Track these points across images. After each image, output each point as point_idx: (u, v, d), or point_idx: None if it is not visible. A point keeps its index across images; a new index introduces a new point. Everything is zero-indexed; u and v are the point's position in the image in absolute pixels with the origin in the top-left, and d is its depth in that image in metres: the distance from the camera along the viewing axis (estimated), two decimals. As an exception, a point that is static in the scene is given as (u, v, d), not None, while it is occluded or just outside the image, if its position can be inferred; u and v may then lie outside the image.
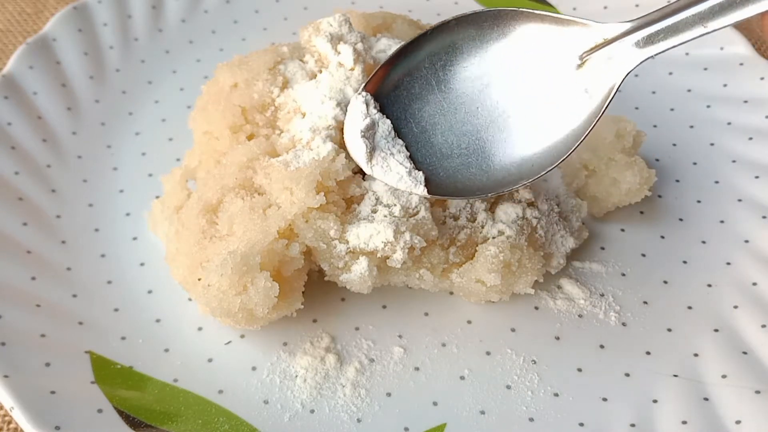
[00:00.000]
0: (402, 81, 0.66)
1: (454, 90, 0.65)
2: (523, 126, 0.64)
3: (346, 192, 0.65)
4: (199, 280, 0.63)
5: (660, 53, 0.59)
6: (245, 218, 0.64)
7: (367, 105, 0.65)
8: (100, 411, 0.61)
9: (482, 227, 0.67)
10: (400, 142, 0.65)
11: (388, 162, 0.64)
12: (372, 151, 0.64)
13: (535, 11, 0.63)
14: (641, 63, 0.60)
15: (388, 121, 0.65)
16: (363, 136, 0.64)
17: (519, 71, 0.64)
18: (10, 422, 0.65)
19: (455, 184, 0.64)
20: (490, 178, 0.64)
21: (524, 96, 0.64)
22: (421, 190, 0.63)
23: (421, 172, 0.64)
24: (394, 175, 0.64)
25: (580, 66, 0.62)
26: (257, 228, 0.63)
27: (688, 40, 0.58)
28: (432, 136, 0.65)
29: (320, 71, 0.71)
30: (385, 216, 0.64)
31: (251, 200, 0.65)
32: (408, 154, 0.64)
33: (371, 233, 0.63)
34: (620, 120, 0.73)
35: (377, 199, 0.65)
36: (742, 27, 0.90)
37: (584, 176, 0.73)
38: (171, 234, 0.68)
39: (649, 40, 0.60)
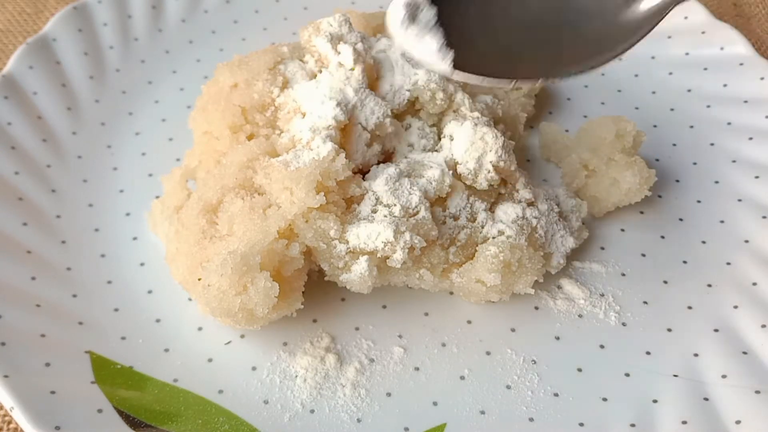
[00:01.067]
0: None
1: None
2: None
3: (346, 192, 0.65)
4: (199, 280, 0.63)
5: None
6: (245, 218, 0.64)
7: None
8: (100, 411, 0.61)
9: (482, 227, 0.67)
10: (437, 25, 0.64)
11: (421, 35, 0.63)
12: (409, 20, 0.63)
13: None
14: None
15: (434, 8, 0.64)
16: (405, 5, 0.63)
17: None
18: (10, 422, 0.65)
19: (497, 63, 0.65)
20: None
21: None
22: (446, 67, 0.63)
23: (452, 51, 0.63)
24: (423, 47, 0.63)
25: None
26: (257, 228, 0.63)
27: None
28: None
29: (320, 71, 0.71)
30: (385, 216, 0.64)
31: (251, 200, 0.65)
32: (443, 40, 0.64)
33: (371, 233, 0.63)
34: (620, 120, 0.73)
35: (377, 199, 0.65)
36: (742, 27, 0.90)
37: (584, 176, 0.73)
38: (171, 234, 0.68)
39: None
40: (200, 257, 0.64)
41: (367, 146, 0.68)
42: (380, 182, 0.65)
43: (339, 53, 0.70)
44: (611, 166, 0.72)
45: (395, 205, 0.64)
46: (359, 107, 0.67)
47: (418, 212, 0.65)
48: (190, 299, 0.68)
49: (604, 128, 0.73)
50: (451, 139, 0.68)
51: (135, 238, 0.73)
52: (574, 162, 0.73)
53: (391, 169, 0.66)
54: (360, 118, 0.67)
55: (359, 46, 0.70)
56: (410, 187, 0.65)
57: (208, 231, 0.65)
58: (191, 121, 0.73)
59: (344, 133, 0.67)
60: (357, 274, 0.64)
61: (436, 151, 0.69)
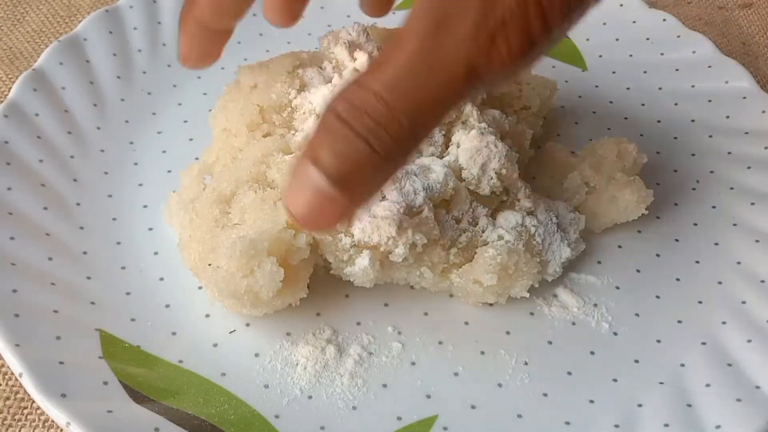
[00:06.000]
0: None
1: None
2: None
3: None
4: (209, 265, 0.66)
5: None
6: (256, 208, 0.67)
7: None
8: (105, 383, 0.64)
9: (483, 231, 0.70)
10: None
11: None
12: None
13: None
14: None
15: None
16: None
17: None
18: (17, 392, 0.67)
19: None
20: None
21: None
22: None
23: None
24: None
25: None
26: (267, 217, 0.66)
27: None
28: None
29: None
30: (390, 213, 0.66)
31: (263, 193, 0.68)
32: None
33: (375, 228, 0.66)
34: (622, 141, 0.76)
35: (383, 197, 0.67)
36: (749, 65, 0.92)
37: (585, 192, 0.75)
38: (185, 222, 0.70)
39: None
40: (212, 244, 0.67)
41: None
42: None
43: (355, 59, 0.72)
44: (611, 184, 0.74)
45: (400, 203, 0.67)
46: None
47: (421, 211, 0.67)
48: (200, 287, 0.70)
49: (606, 148, 0.76)
50: (458, 146, 0.71)
51: (151, 229, 0.75)
52: (575, 178, 0.76)
53: None
54: None
55: (375, 54, 0.72)
56: (415, 187, 0.67)
57: (220, 220, 0.68)
58: (211, 119, 0.76)
59: None
60: (360, 267, 0.67)
61: (443, 157, 0.71)
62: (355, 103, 0.49)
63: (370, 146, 0.48)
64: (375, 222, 0.66)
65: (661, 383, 0.67)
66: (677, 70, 0.90)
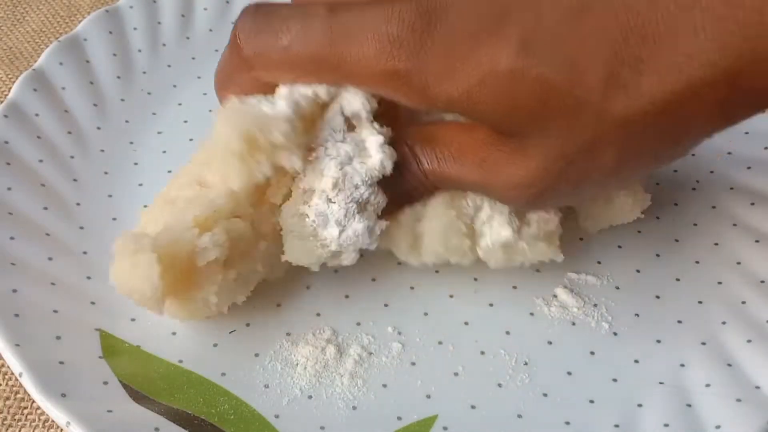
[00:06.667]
0: None
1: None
2: None
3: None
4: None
5: None
6: (178, 204, 0.65)
7: None
8: (105, 383, 0.64)
9: None
10: None
11: None
12: None
13: None
14: None
15: None
16: None
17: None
18: (17, 392, 0.68)
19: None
20: None
21: None
22: None
23: None
24: None
25: None
26: (176, 211, 0.64)
27: None
28: None
29: None
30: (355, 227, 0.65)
31: (200, 188, 0.66)
32: None
33: (351, 242, 0.65)
34: None
35: (329, 199, 0.65)
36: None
37: None
38: (141, 226, 0.68)
39: None
40: (145, 218, 0.66)
41: None
42: (324, 181, 0.64)
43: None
44: None
45: (351, 205, 0.64)
46: None
47: (368, 201, 0.65)
48: (200, 288, 0.70)
49: None
50: None
51: (150, 229, 0.75)
52: None
53: (331, 166, 0.64)
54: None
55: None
56: (356, 183, 0.64)
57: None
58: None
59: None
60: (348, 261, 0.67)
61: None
62: None
63: None
64: (347, 236, 0.65)
65: (661, 383, 0.67)
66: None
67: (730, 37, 0.49)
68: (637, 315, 0.72)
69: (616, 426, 0.64)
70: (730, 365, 0.68)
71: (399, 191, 0.66)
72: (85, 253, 0.73)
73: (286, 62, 0.62)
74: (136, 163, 0.81)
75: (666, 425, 0.64)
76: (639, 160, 0.57)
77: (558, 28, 0.53)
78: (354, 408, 0.65)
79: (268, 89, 0.66)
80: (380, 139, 0.64)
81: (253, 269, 0.68)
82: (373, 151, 0.65)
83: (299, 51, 0.61)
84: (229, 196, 0.65)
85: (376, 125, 0.65)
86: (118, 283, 0.62)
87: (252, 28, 0.62)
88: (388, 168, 0.64)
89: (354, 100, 0.64)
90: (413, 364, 0.68)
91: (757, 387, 0.66)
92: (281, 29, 0.61)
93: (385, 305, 0.71)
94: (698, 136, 0.56)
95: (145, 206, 0.68)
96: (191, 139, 0.83)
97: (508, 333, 0.70)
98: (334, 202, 0.64)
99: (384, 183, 0.65)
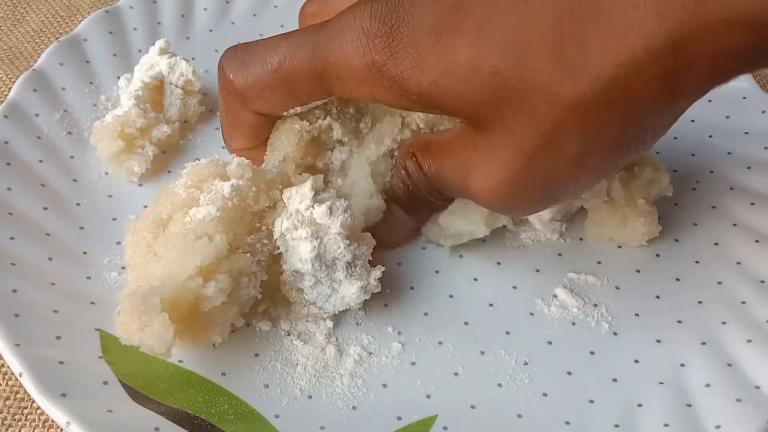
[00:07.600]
0: None
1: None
2: None
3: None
4: (118, 312, 0.63)
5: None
6: (176, 246, 0.64)
7: None
8: (105, 383, 0.64)
9: None
10: None
11: None
12: None
13: None
14: None
15: None
16: None
17: None
18: (17, 392, 0.68)
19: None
20: None
21: None
22: None
23: None
24: None
25: None
26: (180, 261, 0.63)
27: None
28: None
29: None
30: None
31: (189, 226, 0.64)
32: None
33: (356, 279, 0.68)
34: (658, 168, 0.75)
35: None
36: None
37: (602, 200, 0.74)
38: (128, 242, 0.68)
39: None
40: (143, 271, 0.65)
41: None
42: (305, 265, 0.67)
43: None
44: (631, 205, 0.74)
45: (342, 233, 0.67)
46: None
47: (354, 257, 0.68)
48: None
49: (643, 167, 0.75)
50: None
51: (150, 230, 0.75)
52: (602, 185, 0.74)
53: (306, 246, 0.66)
54: None
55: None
56: (345, 217, 0.67)
57: (152, 246, 0.65)
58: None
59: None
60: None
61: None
62: None
63: None
64: (346, 303, 0.68)
65: (661, 383, 0.67)
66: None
67: (668, 4, 0.48)
68: (637, 315, 0.72)
69: (616, 426, 0.64)
70: (730, 365, 0.68)
71: (418, 205, 0.71)
72: (85, 253, 0.73)
73: (278, 83, 0.64)
74: (136, 163, 0.80)
75: (666, 425, 0.64)
76: (600, 146, 0.56)
77: (507, 16, 0.54)
78: (354, 408, 0.65)
79: (271, 125, 0.70)
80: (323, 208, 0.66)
81: (253, 296, 0.68)
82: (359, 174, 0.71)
83: (289, 67, 0.63)
84: (227, 232, 0.65)
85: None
86: (126, 338, 0.62)
87: (238, 63, 0.65)
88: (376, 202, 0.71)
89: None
90: (413, 364, 0.68)
91: (757, 387, 0.66)
92: (267, 54, 0.64)
93: (385, 305, 0.71)
94: (650, 113, 0.55)
95: (135, 216, 0.68)
96: (191, 139, 0.83)
97: (508, 333, 0.70)
98: (322, 282, 0.67)
99: (404, 197, 0.70)
